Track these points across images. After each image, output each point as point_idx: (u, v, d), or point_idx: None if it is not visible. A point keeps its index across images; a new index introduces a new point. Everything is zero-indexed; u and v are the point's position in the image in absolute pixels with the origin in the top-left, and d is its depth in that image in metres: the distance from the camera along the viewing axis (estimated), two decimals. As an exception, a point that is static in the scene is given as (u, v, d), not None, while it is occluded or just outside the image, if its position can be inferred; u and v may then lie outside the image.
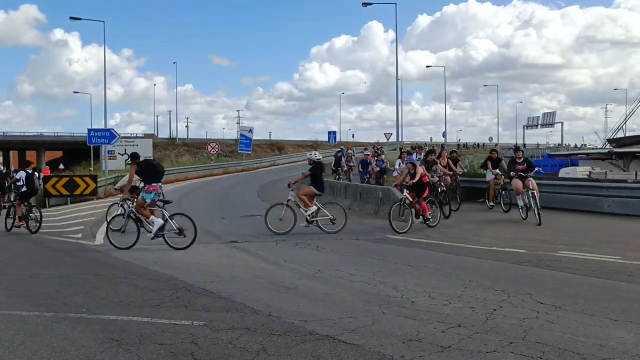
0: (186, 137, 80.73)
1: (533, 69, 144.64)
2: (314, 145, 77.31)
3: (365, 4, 39.45)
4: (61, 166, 53.02)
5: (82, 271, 8.70)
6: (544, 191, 15.50)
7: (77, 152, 60.65)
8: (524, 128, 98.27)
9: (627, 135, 70.43)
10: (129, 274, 8.36)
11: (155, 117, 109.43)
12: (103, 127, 33.46)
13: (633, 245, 9.99)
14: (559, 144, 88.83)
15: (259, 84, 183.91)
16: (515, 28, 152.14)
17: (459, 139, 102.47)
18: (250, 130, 51.16)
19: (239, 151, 49.97)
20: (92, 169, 39.30)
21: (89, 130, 30.74)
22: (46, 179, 22.48)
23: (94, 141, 30.05)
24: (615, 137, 73.20)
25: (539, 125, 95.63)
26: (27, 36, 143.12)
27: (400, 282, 7.32)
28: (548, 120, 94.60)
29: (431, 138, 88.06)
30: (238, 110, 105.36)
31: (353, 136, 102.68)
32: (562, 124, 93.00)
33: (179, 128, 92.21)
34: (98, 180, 24.07)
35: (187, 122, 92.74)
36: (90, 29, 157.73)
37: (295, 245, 10.73)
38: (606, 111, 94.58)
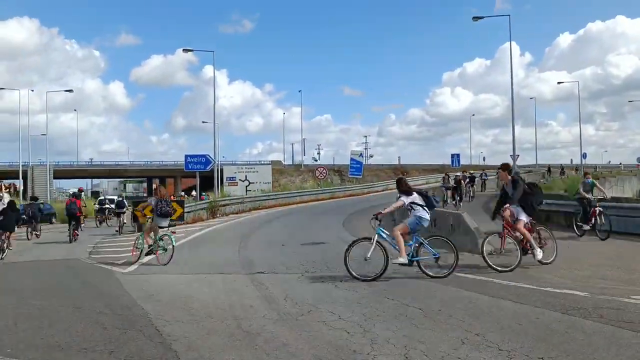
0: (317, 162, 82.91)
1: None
2: (440, 168, 75.08)
3: (475, 18, 37.50)
4: (193, 193, 55.43)
5: (65, 303, 8.10)
6: None
7: (211, 179, 63.93)
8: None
9: None
10: (109, 307, 7.66)
11: (292, 145, 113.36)
12: (214, 153, 34.18)
13: None
14: None
15: (391, 110, 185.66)
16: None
17: (609, 161, 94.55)
18: (361, 155, 50.33)
19: (350, 175, 49.20)
20: (216, 194, 40.33)
21: (186, 156, 31.51)
22: (135, 205, 23.01)
23: (190, 167, 30.73)
24: None
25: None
26: (180, 75, 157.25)
27: (387, 333, 5.82)
28: None
29: (572, 160, 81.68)
30: (365, 136, 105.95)
31: (484, 159, 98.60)
32: None
33: (313, 155, 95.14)
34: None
35: (319, 149, 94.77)
36: (233, 66, 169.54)
37: (321, 281, 9.42)
38: None
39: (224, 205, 29.88)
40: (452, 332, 5.82)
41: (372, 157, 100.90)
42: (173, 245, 12.20)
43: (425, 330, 5.93)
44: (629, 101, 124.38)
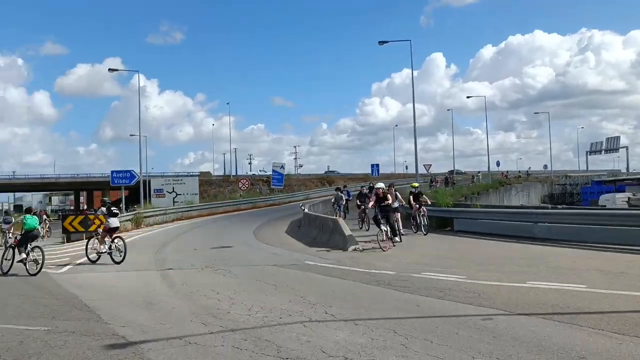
0: (248, 173, 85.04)
1: (597, 95, 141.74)
2: (365, 177, 78.95)
3: (381, 42, 41.11)
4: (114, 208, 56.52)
5: (13, 293, 10.58)
6: (485, 219, 16.48)
7: (138, 191, 65.08)
8: (587, 154, 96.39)
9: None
10: (47, 294, 10.21)
11: (223, 155, 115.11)
12: (140, 166, 36.04)
13: (499, 270, 10.90)
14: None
15: (322, 120, 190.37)
16: (573, 55, 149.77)
17: (529, 167, 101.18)
18: (282, 167, 53.30)
19: (272, 186, 52.10)
20: (140, 206, 41.96)
21: (112, 172, 33.49)
22: (64, 218, 24.99)
23: (116, 182, 32.73)
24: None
25: (603, 151, 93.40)
26: (108, 85, 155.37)
27: (245, 299, 8.74)
28: (612, 146, 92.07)
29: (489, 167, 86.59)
30: (295, 147, 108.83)
31: (407, 167, 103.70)
32: (627, 149, 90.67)
33: (244, 165, 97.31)
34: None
35: (250, 159, 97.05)
36: (164, 75, 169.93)
37: (215, 272, 12.25)
38: None
39: (148, 217, 32.01)
40: (286, 296, 8.83)
41: (301, 166, 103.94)
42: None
43: (269, 296, 8.92)
44: (535, 113, 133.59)
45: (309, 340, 6.18)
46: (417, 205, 18.86)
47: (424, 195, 19.95)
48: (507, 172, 73.91)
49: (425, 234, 18.41)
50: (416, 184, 20.40)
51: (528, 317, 6.82)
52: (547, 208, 17.72)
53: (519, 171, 76.91)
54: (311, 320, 7.16)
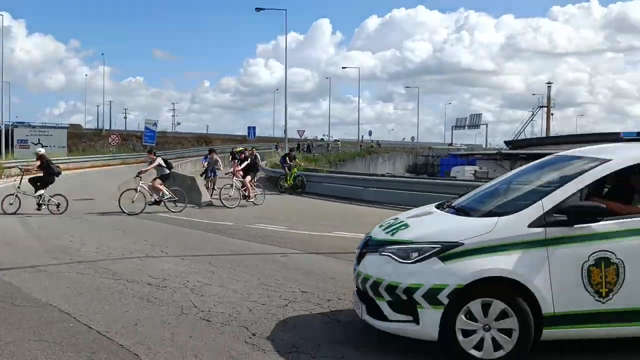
0: (124, 128, 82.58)
1: (469, 73, 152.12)
2: (242, 140, 79.91)
3: (258, 9, 42.22)
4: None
5: None
6: (329, 183, 18.89)
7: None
8: (452, 129, 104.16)
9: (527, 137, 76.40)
10: None
11: (97, 107, 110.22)
12: (3, 115, 34.77)
13: (319, 224, 13.21)
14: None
15: (205, 77, 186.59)
16: (451, 33, 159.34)
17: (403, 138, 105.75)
18: (155, 124, 53.26)
19: (143, 143, 51.99)
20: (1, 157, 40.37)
21: (-32, 120, 32.28)
22: None
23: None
24: (515, 139, 78.68)
25: (466, 127, 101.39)
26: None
27: (94, 241, 10.21)
28: (474, 122, 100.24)
29: (362, 136, 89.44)
30: (173, 103, 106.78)
31: (285, 132, 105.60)
32: (487, 126, 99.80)
33: (120, 119, 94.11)
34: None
35: (126, 113, 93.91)
36: (34, 15, 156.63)
37: (72, 219, 13.46)
38: (532, 114, 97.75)
39: (10, 167, 31.41)
40: (132, 239, 10.44)
41: (179, 124, 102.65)
42: None
43: (117, 240, 10.47)
44: (406, 87, 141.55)
45: (140, 269, 7.88)
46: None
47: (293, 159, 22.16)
48: (362, 141, 77.78)
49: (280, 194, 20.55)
50: (241, 148, 22.41)
51: (316, 255, 9.02)
52: (378, 176, 20.47)
53: (372, 141, 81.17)
54: (147, 255, 8.86)
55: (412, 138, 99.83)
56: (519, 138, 77.44)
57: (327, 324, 5.30)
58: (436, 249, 4.24)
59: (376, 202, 17.07)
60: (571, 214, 4.18)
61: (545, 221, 4.20)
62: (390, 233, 4.74)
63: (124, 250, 9.34)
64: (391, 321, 4.34)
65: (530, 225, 4.21)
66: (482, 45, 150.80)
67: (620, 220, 4.27)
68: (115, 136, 46.55)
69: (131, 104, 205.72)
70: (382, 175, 21.09)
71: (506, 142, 75.87)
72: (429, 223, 4.84)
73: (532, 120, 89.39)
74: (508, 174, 5.74)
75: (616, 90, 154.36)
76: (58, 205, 14.78)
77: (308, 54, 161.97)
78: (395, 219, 5.18)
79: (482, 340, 4.15)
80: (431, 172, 71.79)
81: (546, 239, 4.18)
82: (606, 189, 5.29)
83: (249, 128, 76.43)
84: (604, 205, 4.23)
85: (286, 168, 21.90)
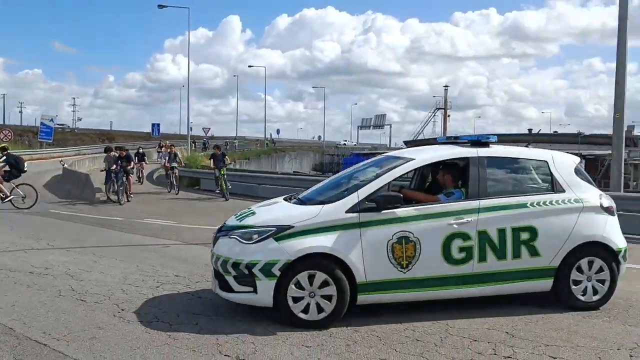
0: (19, 124, 78.30)
1: (376, 74, 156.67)
2: (146, 137, 78.18)
3: (160, 6, 41.78)
4: None
5: None
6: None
7: None
8: (358, 128, 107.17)
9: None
10: None
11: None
12: None
13: (200, 215, 13.92)
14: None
15: (110, 72, 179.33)
16: (358, 34, 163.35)
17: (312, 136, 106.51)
18: (52, 120, 51.34)
19: (39, 140, 50.02)
20: None
21: None
22: None
23: None
24: (414, 139, 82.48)
25: (371, 127, 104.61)
26: None
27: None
28: (379, 122, 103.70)
29: (271, 134, 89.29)
30: (74, 98, 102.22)
31: (191, 129, 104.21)
32: (390, 126, 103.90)
33: (16, 113, 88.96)
34: None
35: (21, 107, 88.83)
36: None
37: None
38: (434, 115, 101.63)
39: None
40: (18, 234, 10.70)
41: (80, 120, 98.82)
42: None
43: (3, 235, 10.68)
44: (313, 87, 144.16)
45: (24, 260, 8.28)
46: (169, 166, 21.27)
47: (178, 156, 22.35)
48: (268, 139, 78.59)
49: (177, 192, 20.87)
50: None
51: (197, 245, 9.76)
52: (270, 174, 21.44)
53: (266, 139, 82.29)
54: (33, 248, 9.24)
55: (319, 137, 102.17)
56: (418, 138, 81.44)
57: (189, 300, 6.12)
58: (272, 231, 5.17)
59: (267, 198, 17.98)
60: (378, 202, 5.25)
61: (359, 208, 5.25)
62: (239, 219, 5.65)
63: (10, 244, 9.62)
64: (236, 292, 5.23)
65: (347, 211, 5.24)
66: (389, 47, 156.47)
67: (418, 207, 5.40)
68: (7, 131, 44.37)
69: (28, 98, 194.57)
70: (274, 173, 22.02)
71: (405, 142, 79.35)
72: (271, 211, 5.79)
73: (431, 121, 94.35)
74: (348, 169, 6.80)
75: (511, 94, 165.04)
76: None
77: (217, 50, 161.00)
78: (249, 208, 6.08)
79: (308, 305, 5.12)
80: (336, 170, 73.54)
81: (360, 222, 5.22)
82: (428, 183, 6.50)
83: (152, 125, 75.12)
84: (401, 195, 5.36)
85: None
